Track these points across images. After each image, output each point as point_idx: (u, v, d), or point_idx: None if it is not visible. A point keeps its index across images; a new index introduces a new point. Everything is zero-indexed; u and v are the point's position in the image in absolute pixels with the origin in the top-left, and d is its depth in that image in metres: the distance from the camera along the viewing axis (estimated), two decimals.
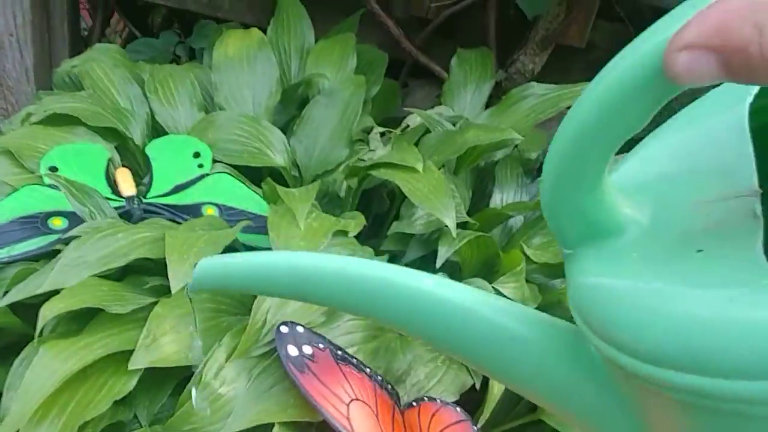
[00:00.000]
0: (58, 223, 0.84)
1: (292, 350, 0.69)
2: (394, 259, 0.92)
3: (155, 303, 0.74)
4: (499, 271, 0.89)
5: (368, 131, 1.12)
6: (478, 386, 0.81)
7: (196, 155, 0.96)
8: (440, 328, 0.32)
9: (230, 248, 0.85)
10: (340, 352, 0.73)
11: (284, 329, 0.70)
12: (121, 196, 0.90)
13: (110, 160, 0.95)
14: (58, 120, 0.96)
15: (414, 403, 0.76)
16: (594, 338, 0.25)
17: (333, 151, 1.05)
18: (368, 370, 0.74)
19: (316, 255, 0.39)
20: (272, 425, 0.66)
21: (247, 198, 0.93)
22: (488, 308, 0.31)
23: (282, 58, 1.13)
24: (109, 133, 0.97)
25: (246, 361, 0.70)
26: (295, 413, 0.67)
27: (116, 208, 0.88)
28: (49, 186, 0.88)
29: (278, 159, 0.99)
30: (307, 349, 0.70)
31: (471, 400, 0.80)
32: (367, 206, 1.04)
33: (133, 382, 0.68)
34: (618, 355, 0.24)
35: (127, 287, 0.76)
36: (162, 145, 0.98)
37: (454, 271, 0.90)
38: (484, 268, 0.92)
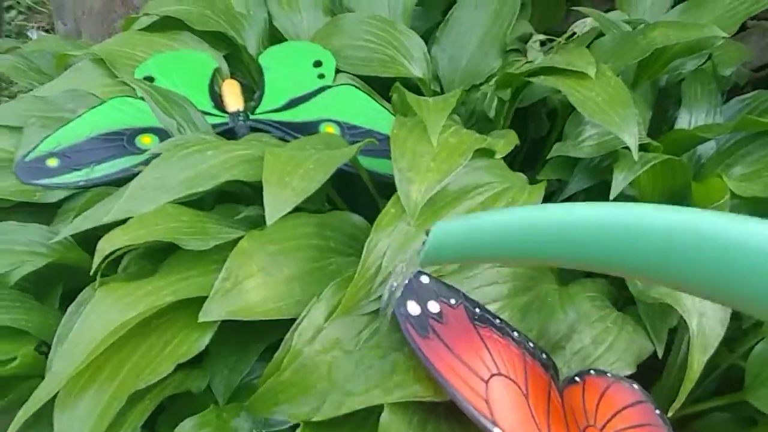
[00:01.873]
0: (147, 141, 0.68)
1: (413, 307, 0.49)
2: (552, 190, 0.70)
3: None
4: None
5: (526, 40, 0.89)
6: (660, 353, 0.59)
7: (317, 64, 0.77)
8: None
9: (350, 175, 0.66)
10: (478, 310, 0.52)
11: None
12: (226, 112, 0.73)
13: (217, 70, 0.77)
14: (162, 26, 0.79)
15: (577, 378, 0.54)
16: None
17: (482, 61, 0.82)
18: (516, 333, 0.53)
19: (595, 205, 0.34)
20: (381, 407, 0.47)
21: (374, 115, 0.73)
22: None
23: None
24: (218, 40, 0.80)
25: (352, 321, 0.50)
26: (413, 391, 0.47)
27: (216, 126, 0.70)
28: (143, 98, 0.71)
29: (415, 69, 0.78)
30: (434, 306, 0.50)
31: (646, 371, 0.58)
32: (522, 129, 0.81)
33: (206, 339, 0.50)
34: None
35: (213, 218, 0.58)
36: (278, 52, 0.79)
37: None
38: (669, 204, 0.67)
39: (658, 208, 0.32)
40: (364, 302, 0.51)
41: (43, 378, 0.50)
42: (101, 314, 0.50)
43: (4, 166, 0.68)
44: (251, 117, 0.72)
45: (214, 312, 0.50)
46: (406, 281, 0.49)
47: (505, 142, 0.61)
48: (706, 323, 0.53)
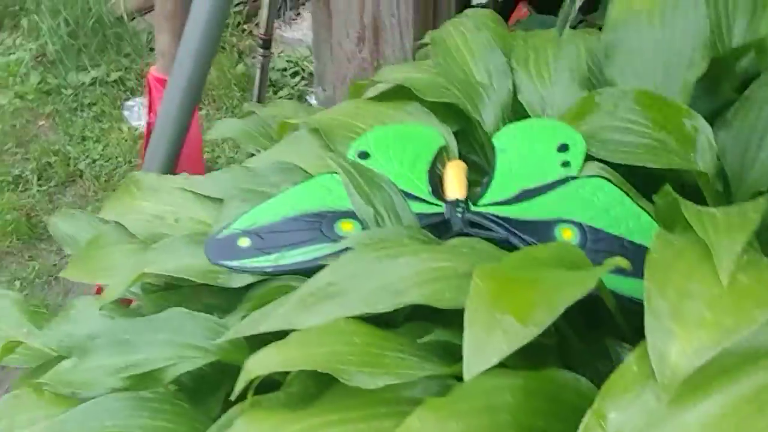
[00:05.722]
0: (348, 227, 0.56)
1: None
2: None
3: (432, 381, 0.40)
4: None
5: None
6: None
7: (562, 149, 0.60)
8: None
9: (593, 301, 0.48)
10: None
11: None
12: (443, 200, 0.59)
13: (444, 148, 0.64)
14: (391, 95, 0.68)
15: None
16: None
17: None
18: None
19: None
20: None
21: (628, 218, 0.54)
22: None
23: (719, 9, 0.69)
24: (450, 113, 0.66)
25: None
26: None
27: (430, 216, 0.56)
28: None
29: (697, 161, 0.58)
30: None
31: None
32: None
33: None
34: None
35: (395, 341, 0.43)
36: (516, 131, 0.64)
37: None
38: None
39: None
40: None
41: None
42: None
43: (200, 241, 0.59)
44: (472, 209, 0.57)
45: None
46: None
47: None
48: None
